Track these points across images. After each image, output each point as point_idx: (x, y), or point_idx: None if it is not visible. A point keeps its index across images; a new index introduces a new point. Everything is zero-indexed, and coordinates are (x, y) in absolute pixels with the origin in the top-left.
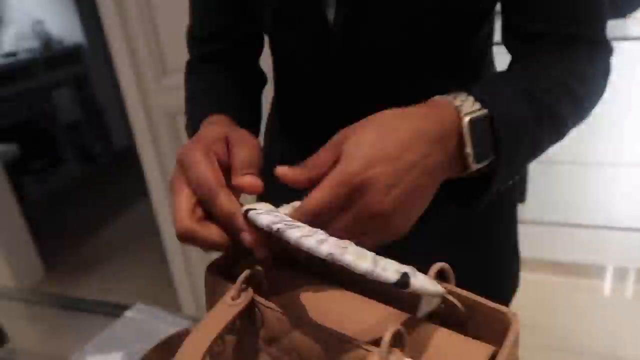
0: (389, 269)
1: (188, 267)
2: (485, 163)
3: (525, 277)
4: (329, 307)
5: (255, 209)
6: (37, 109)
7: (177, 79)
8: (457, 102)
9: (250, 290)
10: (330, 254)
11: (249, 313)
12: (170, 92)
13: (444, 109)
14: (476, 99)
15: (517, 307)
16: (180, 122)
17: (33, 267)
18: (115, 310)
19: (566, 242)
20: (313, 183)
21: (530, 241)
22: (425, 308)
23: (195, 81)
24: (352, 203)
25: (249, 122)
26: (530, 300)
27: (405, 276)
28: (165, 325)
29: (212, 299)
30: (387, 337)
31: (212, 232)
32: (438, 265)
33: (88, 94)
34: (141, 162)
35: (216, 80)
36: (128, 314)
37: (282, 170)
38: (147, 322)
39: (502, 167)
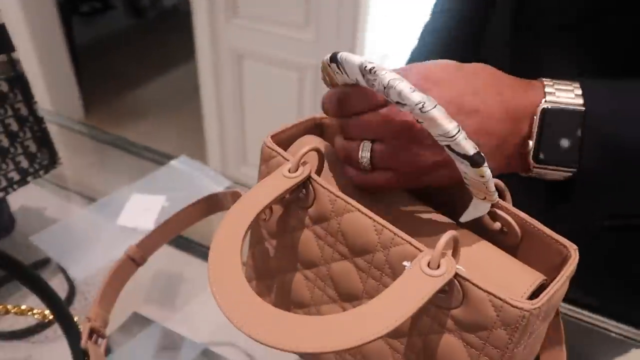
0: (468, 141)
1: (222, 134)
2: (553, 170)
3: None
4: (381, 203)
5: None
6: None
7: None
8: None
9: (309, 166)
10: (422, 102)
11: (302, 188)
12: None
13: (535, 87)
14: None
15: None
16: None
17: (74, 108)
18: (160, 158)
19: None
20: None
21: None
22: (472, 213)
23: None
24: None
25: None
26: None
27: (480, 154)
28: (207, 180)
29: (266, 169)
30: (442, 240)
31: None
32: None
33: None
34: (193, 24)
35: None
36: (173, 162)
37: None
38: (190, 174)
39: (586, 184)
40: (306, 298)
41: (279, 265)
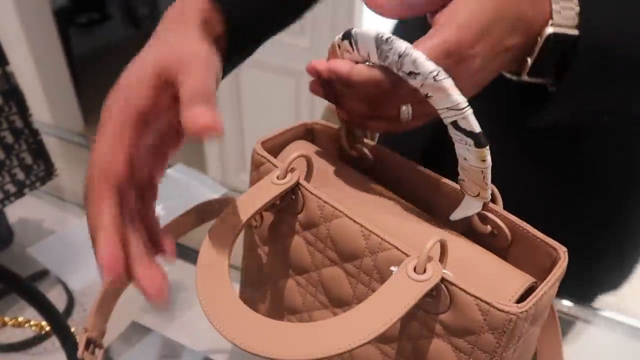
0: (474, 119)
1: (221, 146)
2: (537, 80)
3: None
4: (372, 206)
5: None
6: None
7: None
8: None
9: (297, 172)
10: (436, 71)
11: (291, 195)
12: None
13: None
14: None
15: None
16: None
17: (74, 120)
18: None
19: None
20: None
21: None
22: (462, 212)
23: None
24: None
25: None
26: None
27: (485, 136)
28: (203, 188)
29: (256, 175)
30: (429, 245)
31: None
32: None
33: None
34: None
35: None
36: (170, 171)
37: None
38: (186, 182)
39: (559, 100)
40: (298, 304)
41: (271, 272)
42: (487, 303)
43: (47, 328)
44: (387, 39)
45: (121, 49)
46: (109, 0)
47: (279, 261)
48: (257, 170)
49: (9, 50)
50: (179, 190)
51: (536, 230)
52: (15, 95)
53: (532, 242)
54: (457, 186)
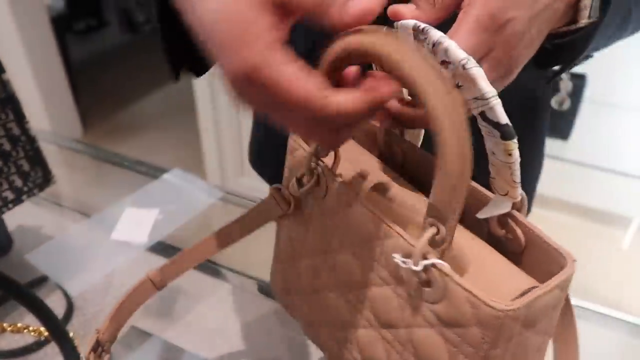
0: (502, 110)
1: (219, 146)
2: (591, 21)
3: (545, 214)
4: (392, 194)
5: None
6: None
7: None
8: None
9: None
10: (466, 59)
11: (318, 180)
12: None
13: None
14: None
15: None
16: None
17: (73, 127)
18: (152, 171)
19: (598, 187)
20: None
21: (564, 181)
22: (489, 210)
23: None
24: (492, 49)
25: None
26: None
27: (511, 128)
28: (199, 192)
29: (292, 159)
30: (425, 236)
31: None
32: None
33: None
34: None
35: None
36: (166, 176)
37: (396, 9)
38: (183, 187)
39: (595, 35)
40: (316, 283)
41: (298, 251)
42: (477, 297)
43: (46, 333)
44: (423, 29)
45: (119, 55)
46: (106, 6)
47: (302, 241)
48: (292, 155)
49: (6, 58)
50: (176, 195)
51: (549, 237)
52: (11, 103)
53: (544, 248)
54: (482, 189)
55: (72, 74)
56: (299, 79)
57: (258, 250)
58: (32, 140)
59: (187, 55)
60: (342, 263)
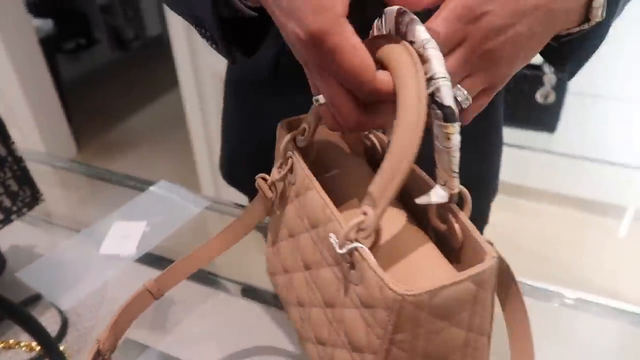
0: (451, 95)
1: (212, 158)
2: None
3: (538, 207)
4: (349, 182)
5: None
6: None
7: None
8: None
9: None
10: (428, 40)
11: (291, 169)
12: None
13: None
14: None
15: (523, 236)
16: None
17: (66, 146)
18: (141, 185)
19: (590, 178)
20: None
21: (554, 173)
22: (426, 198)
23: None
24: (466, 39)
25: None
26: (539, 230)
27: (454, 113)
28: (186, 203)
29: (278, 145)
30: (352, 222)
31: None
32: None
33: None
34: (173, 53)
35: None
36: (152, 188)
37: None
38: (169, 198)
39: (602, 30)
40: (290, 263)
41: (280, 233)
42: (382, 280)
43: (37, 348)
44: (403, 11)
45: (109, 72)
46: (94, 25)
47: (282, 224)
48: (279, 143)
49: None
50: (162, 206)
51: (478, 233)
52: None
53: (473, 244)
54: (429, 179)
55: (64, 94)
56: (358, 50)
57: (250, 258)
58: (18, 160)
59: (239, 37)
60: (302, 244)
